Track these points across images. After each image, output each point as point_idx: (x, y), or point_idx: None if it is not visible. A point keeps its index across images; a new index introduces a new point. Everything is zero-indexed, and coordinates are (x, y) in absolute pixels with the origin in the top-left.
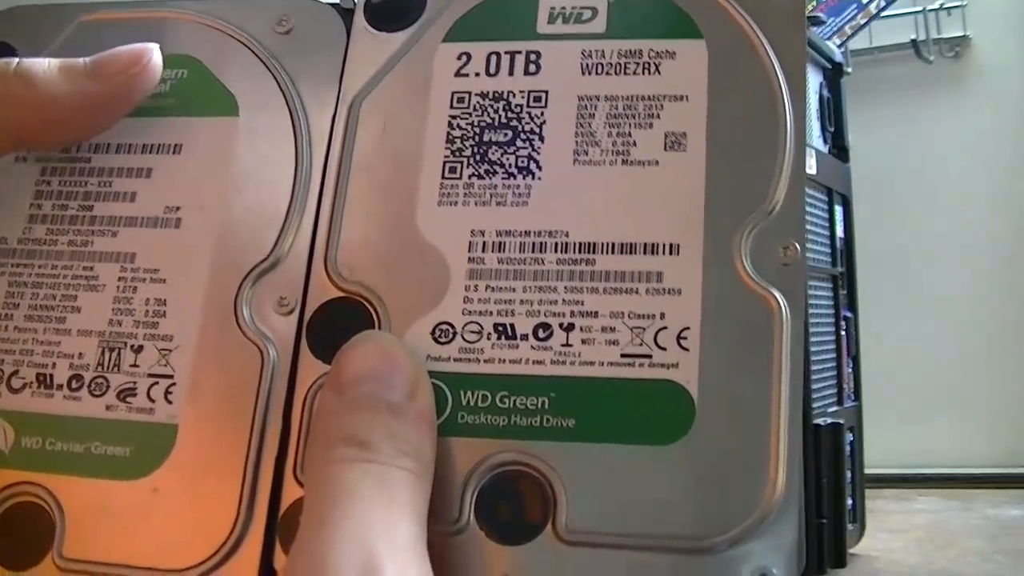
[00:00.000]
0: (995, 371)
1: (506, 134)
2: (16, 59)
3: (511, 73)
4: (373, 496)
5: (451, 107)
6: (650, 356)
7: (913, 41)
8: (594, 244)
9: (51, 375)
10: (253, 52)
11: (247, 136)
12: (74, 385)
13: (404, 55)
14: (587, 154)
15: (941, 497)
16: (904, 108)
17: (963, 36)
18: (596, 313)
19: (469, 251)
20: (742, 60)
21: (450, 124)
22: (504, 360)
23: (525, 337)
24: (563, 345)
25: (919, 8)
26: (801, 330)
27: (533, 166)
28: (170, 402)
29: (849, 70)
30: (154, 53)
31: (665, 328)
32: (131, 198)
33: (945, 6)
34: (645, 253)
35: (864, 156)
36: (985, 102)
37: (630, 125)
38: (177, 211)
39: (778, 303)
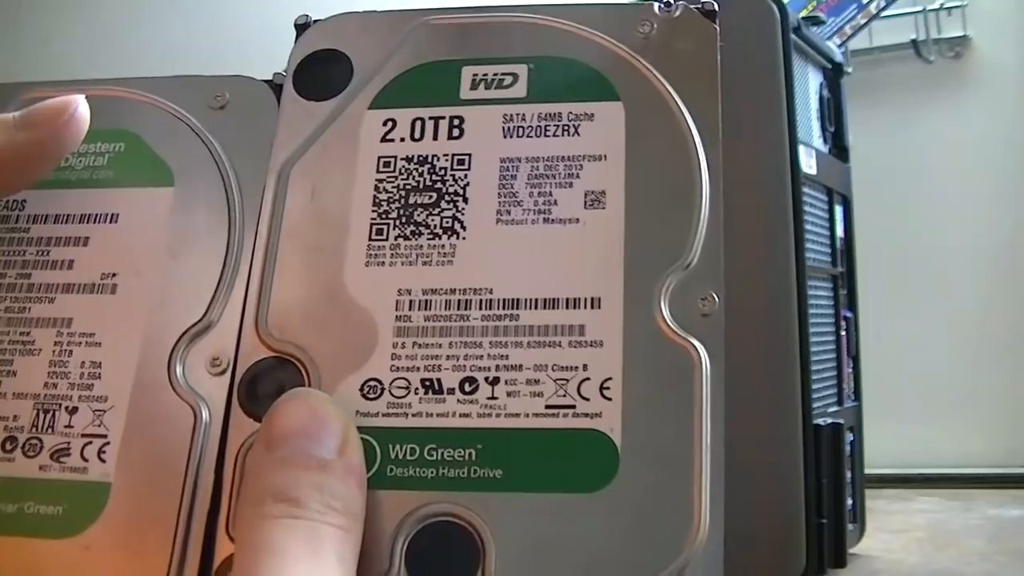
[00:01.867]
0: (995, 371)
1: (431, 196)
2: None
3: (435, 137)
4: (299, 552)
5: (377, 171)
6: (574, 406)
7: (913, 41)
8: (518, 300)
9: None
10: (188, 126)
11: (182, 205)
12: (8, 447)
13: (331, 123)
14: (510, 213)
15: (941, 497)
16: (904, 108)
17: (963, 36)
18: (521, 366)
19: (396, 309)
20: (658, 119)
21: (376, 187)
22: (432, 414)
23: (452, 391)
24: (489, 398)
25: (919, 8)
26: (721, 377)
27: (457, 226)
28: (103, 461)
29: (849, 70)
30: (80, 103)
31: (588, 379)
32: (68, 265)
33: (945, 6)
34: (567, 307)
35: (864, 156)
36: (985, 102)
37: (551, 184)
38: (113, 277)
39: (698, 352)
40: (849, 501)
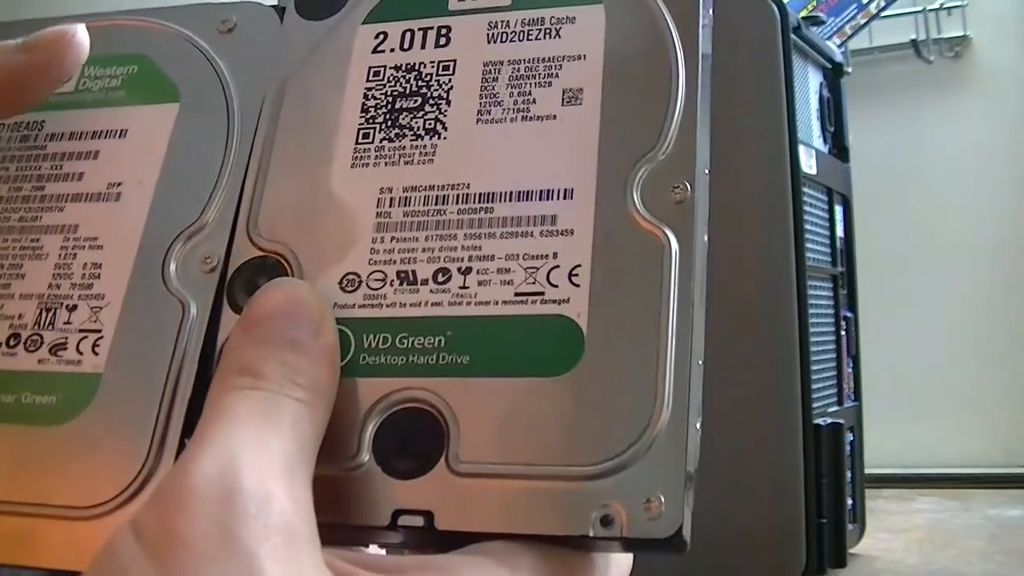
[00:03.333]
0: (995, 371)
1: (416, 100)
2: None
3: (423, 47)
4: (250, 418)
5: (367, 80)
6: (542, 293)
7: (913, 41)
8: (493, 194)
9: None
10: (197, 49)
11: (185, 118)
12: (12, 343)
13: (327, 38)
14: (490, 113)
15: (941, 497)
16: (904, 108)
17: (963, 36)
18: (493, 256)
19: (377, 207)
20: (637, 20)
21: (365, 95)
22: (405, 304)
23: (425, 282)
24: (460, 287)
25: (919, 8)
26: (691, 264)
27: (439, 127)
28: (96, 354)
29: (849, 70)
30: (79, 30)
31: (557, 267)
32: (78, 177)
33: (945, 6)
34: (540, 199)
35: (864, 156)
36: (985, 102)
37: (531, 85)
38: (119, 186)
39: (667, 239)
40: (849, 501)
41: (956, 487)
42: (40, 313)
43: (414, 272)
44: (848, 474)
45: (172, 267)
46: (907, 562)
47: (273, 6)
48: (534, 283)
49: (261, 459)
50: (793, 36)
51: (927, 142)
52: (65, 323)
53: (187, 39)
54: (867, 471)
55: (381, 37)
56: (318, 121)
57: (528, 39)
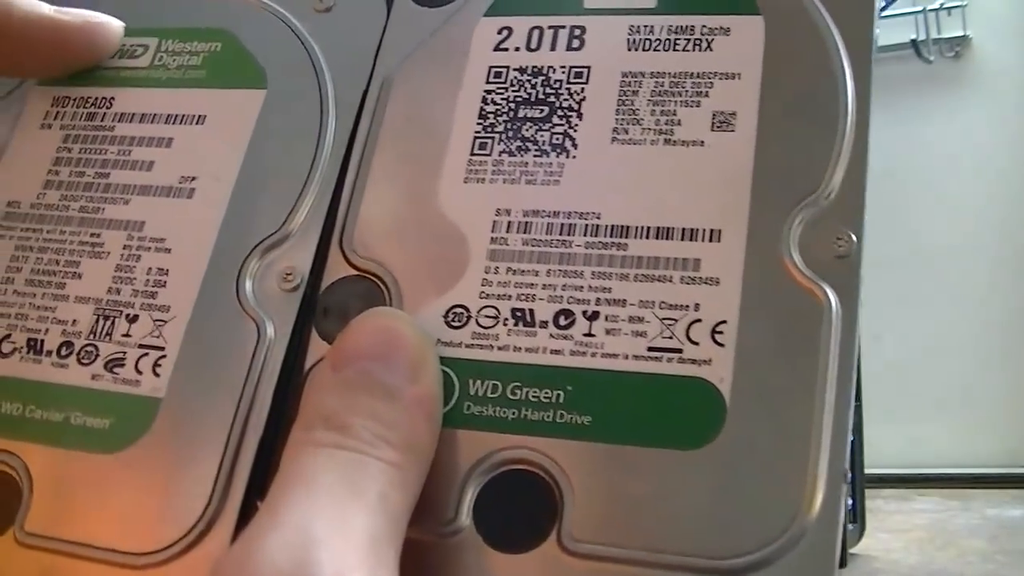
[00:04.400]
0: (995, 371)
1: (542, 110)
2: None
3: (553, 48)
4: (333, 486)
5: (487, 81)
6: (680, 351)
7: (913, 41)
8: (627, 228)
9: (42, 341)
10: (290, 28)
11: (272, 109)
12: (63, 352)
13: (443, 29)
14: (627, 132)
15: (941, 497)
16: (904, 108)
17: (963, 36)
18: (624, 301)
19: (492, 231)
20: (802, 38)
21: (484, 99)
22: (520, 348)
23: (544, 324)
24: (585, 335)
25: (919, 8)
26: (853, 330)
27: (568, 144)
28: (157, 375)
29: None
30: (115, 21)
31: (699, 320)
32: (148, 167)
33: (945, 6)
34: (683, 239)
35: None
36: (985, 102)
37: (676, 103)
38: (192, 181)
39: (828, 299)
40: (849, 501)
41: (956, 487)
42: (97, 320)
43: (532, 311)
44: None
45: (248, 281)
46: (907, 562)
47: None
48: (671, 337)
49: (341, 542)
50: None
51: (927, 142)
52: (124, 335)
53: (279, 16)
54: (867, 471)
55: (505, 33)
56: (428, 124)
57: (675, 49)
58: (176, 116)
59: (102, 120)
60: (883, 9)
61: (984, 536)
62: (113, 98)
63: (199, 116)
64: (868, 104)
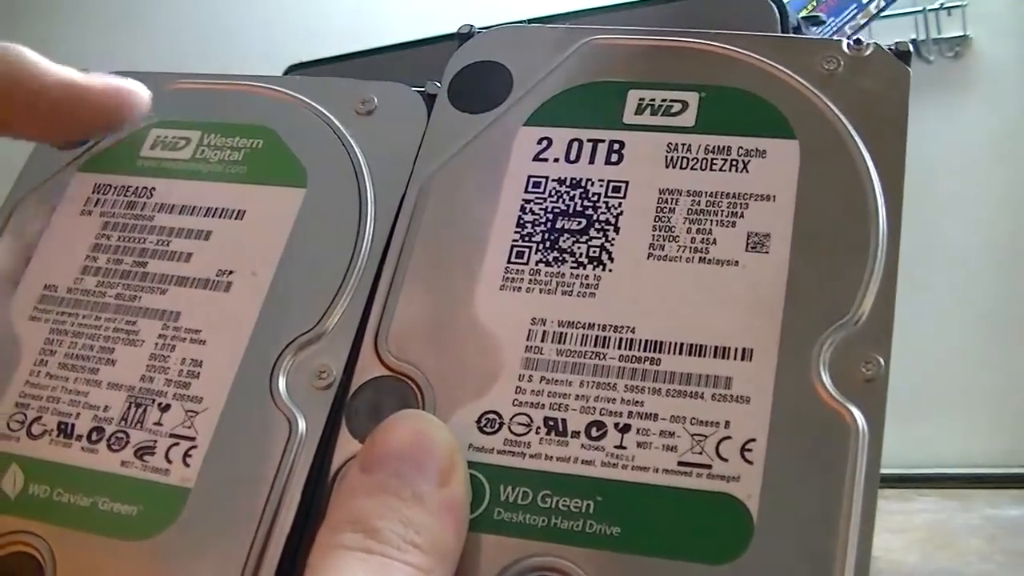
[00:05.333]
0: (994, 371)
1: (580, 222)
2: (15, 45)
3: (592, 161)
4: None
5: (526, 191)
6: (710, 466)
7: (913, 41)
8: (661, 343)
9: (73, 425)
10: (331, 129)
11: (311, 208)
12: (94, 437)
13: (483, 136)
14: (663, 249)
15: (941, 497)
16: None
17: (963, 36)
18: (656, 415)
19: (527, 339)
20: (835, 162)
21: (522, 208)
22: (551, 457)
23: (576, 434)
24: (616, 446)
25: (919, 8)
26: (879, 450)
27: (605, 257)
28: (187, 465)
29: None
30: (143, 89)
31: (729, 438)
32: (186, 258)
33: (945, 6)
34: (715, 356)
35: None
36: (985, 102)
37: (712, 223)
38: (229, 275)
39: (855, 422)
40: None
41: (956, 487)
42: (129, 408)
43: (564, 421)
44: None
45: (282, 377)
46: (907, 562)
47: (419, 90)
48: (701, 453)
49: None
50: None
51: (927, 142)
52: (155, 423)
53: (320, 116)
54: None
55: (544, 143)
56: (466, 229)
57: (711, 168)
58: (216, 210)
59: (142, 209)
60: (883, 9)
61: (984, 536)
62: (154, 188)
63: (239, 211)
64: (899, 230)
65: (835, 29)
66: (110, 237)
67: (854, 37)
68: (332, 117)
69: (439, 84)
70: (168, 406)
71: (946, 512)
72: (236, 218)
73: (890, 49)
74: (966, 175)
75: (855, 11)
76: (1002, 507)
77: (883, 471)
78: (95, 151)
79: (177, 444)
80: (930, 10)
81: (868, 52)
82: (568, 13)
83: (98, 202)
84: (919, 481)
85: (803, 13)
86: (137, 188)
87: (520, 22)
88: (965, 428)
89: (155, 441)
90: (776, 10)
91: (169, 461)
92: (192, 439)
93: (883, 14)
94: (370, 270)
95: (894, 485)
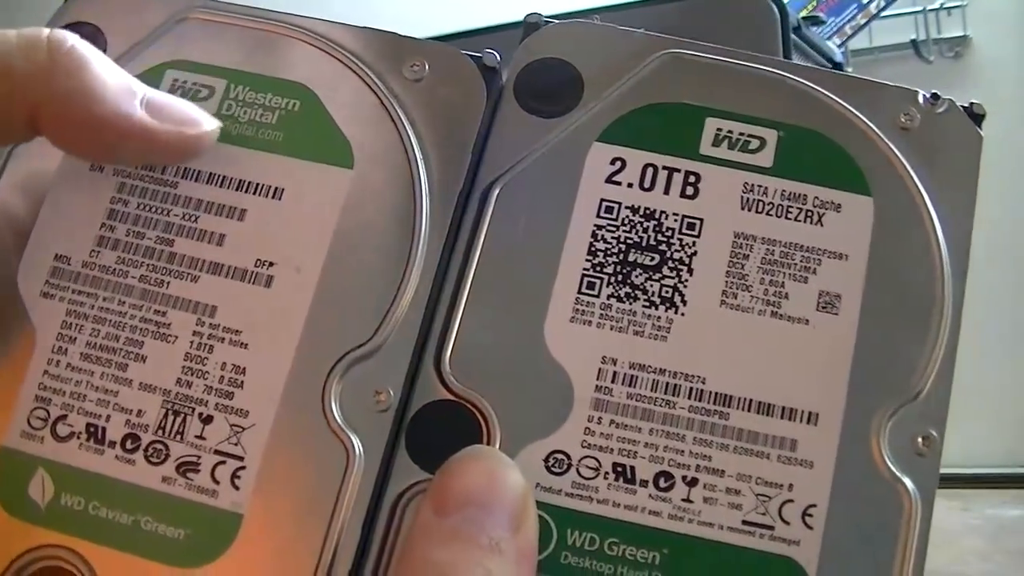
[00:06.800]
0: (995, 371)
1: (653, 258)
2: (86, 48)
3: (667, 192)
4: None
5: (598, 215)
6: (773, 528)
7: (913, 41)
8: (730, 397)
9: (103, 428)
10: (377, 95)
11: (360, 195)
12: (129, 446)
13: (553, 145)
14: (736, 297)
15: (941, 497)
16: None
17: (963, 36)
18: (723, 472)
19: (598, 379)
20: (908, 226)
21: (594, 235)
22: (619, 504)
23: (645, 483)
24: (684, 500)
25: (919, 8)
26: (929, 520)
27: (678, 299)
28: (237, 487)
29: (850, 70)
30: (212, 130)
31: (792, 501)
32: (219, 241)
33: (945, 6)
34: (783, 417)
35: None
36: (985, 102)
37: (785, 275)
38: (270, 267)
39: (910, 495)
40: None
41: (956, 487)
42: (166, 415)
43: (633, 469)
44: None
45: (336, 394)
46: None
47: (474, 57)
48: (764, 514)
49: None
50: (793, 36)
51: None
52: (197, 436)
53: (367, 81)
54: None
55: (618, 164)
56: (535, 250)
57: (787, 217)
58: (249, 184)
59: (163, 172)
60: (883, 9)
61: (984, 536)
62: None
63: (276, 188)
64: (962, 303)
65: (835, 29)
66: (128, 203)
67: (932, 92)
68: (379, 83)
69: (497, 55)
70: (210, 417)
71: (946, 512)
72: (274, 197)
73: (963, 108)
74: None
75: (855, 11)
76: (1002, 507)
77: None
78: None
79: (224, 462)
80: (930, 10)
81: (942, 109)
82: (568, 14)
83: None
84: None
85: (803, 13)
86: None
87: (583, 11)
88: (965, 428)
89: (199, 457)
90: (776, 10)
91: (216, 481)
92: (240, 458)
93: (883, 14)
94: (427, 275)
95: None
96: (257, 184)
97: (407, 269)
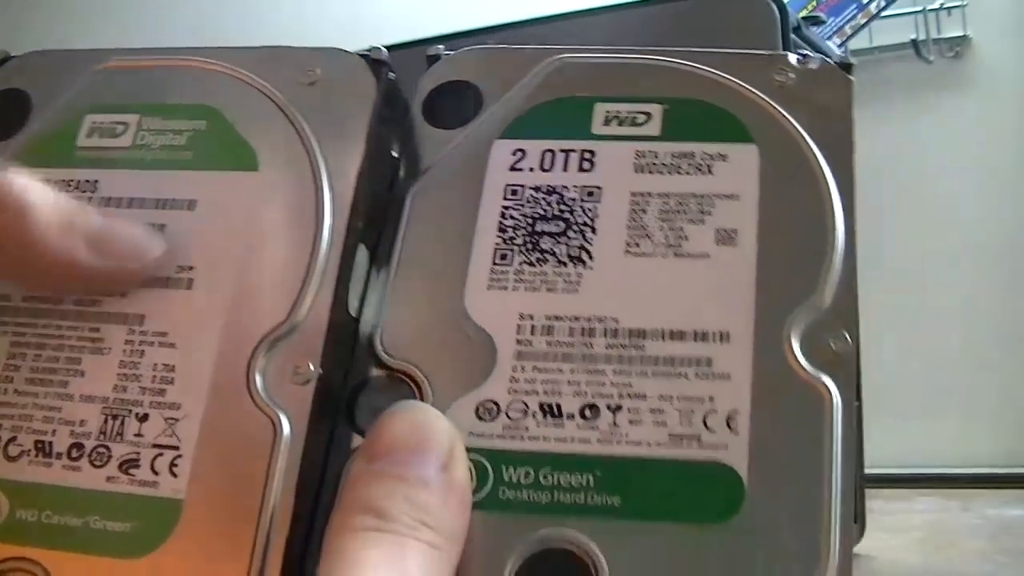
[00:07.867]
0: (995, 371)
1: (558, 225)
2: (24, 182)
3: (565, 169)
4: (378, 566)
5: (504, 198)
6: (698, 437)
7: (913, 41)
8: (644, 330)
9: (50, 443)
10: (276, 104)
11: (266, 193)
12: (74, 454)
13: (459, 149)
14: (639, 246)
15: (941, 497)
16: (904, 108)
17: (963, 36)
18: (644, 395)
19: (517, 333)
20: (792, 163)
21: (503, 214)
22: (549, 438)
23: (571, 416)
24: (610, 425)
25: (919, 8)
26: (852, 416)
27: (585, 256)
28: (175, 475)
29: None
30: (159, 253)
31: (714, 411)
32: None
33: (945, 6)
34: (695, 340)
35: (864, 156)
36: (985, 102)
37: (682, 220)
38: (189, 271)
39: (828, 392)
40: None
41: (956, 487)
42: (105, 420)
43: (559, 405)
44: None
45: (259, 375)
46: (907, 562)
47: (362, 55)
48: (690, 425)
49: None
50: (793, 36)
51: (927, 142)
52: (136, 435)
53: (263, 91)
54: (867, 471)
55: (519, 154)
56: (450, 235)
57: (678, 172)
58: (165, 201)
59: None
60: (883, 9)
61: (984, 536)
62: (97, 181)
63: (189, 200)
64: (854, 214)
65: (835, 29)
66: None
67: (802, 52)
68: (275, 91)
69: (382, 48)
70: (146, 415)
71: (946, 512)
72: (188, 209)
73: (835, 63)
74: (965, 175)
75: (855, 11)
76: (1003, 507)
77: (883, 471)
78: (25, 143)
79: (161, 454)
80: (930, 10)
81: (814, 66)
82: (569, 13)
83: None
84: (919, 481)
85: (803, 13)
86: (79, 182)
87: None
88: (965, 428)
89: (138, 453)
90: (776, 10)
91: (156, 473)
92: (176, 448)
93: (883, 14)
94: (335, 255)
95: (894, 485)
96: (172, 199)
97: (313, 249)
